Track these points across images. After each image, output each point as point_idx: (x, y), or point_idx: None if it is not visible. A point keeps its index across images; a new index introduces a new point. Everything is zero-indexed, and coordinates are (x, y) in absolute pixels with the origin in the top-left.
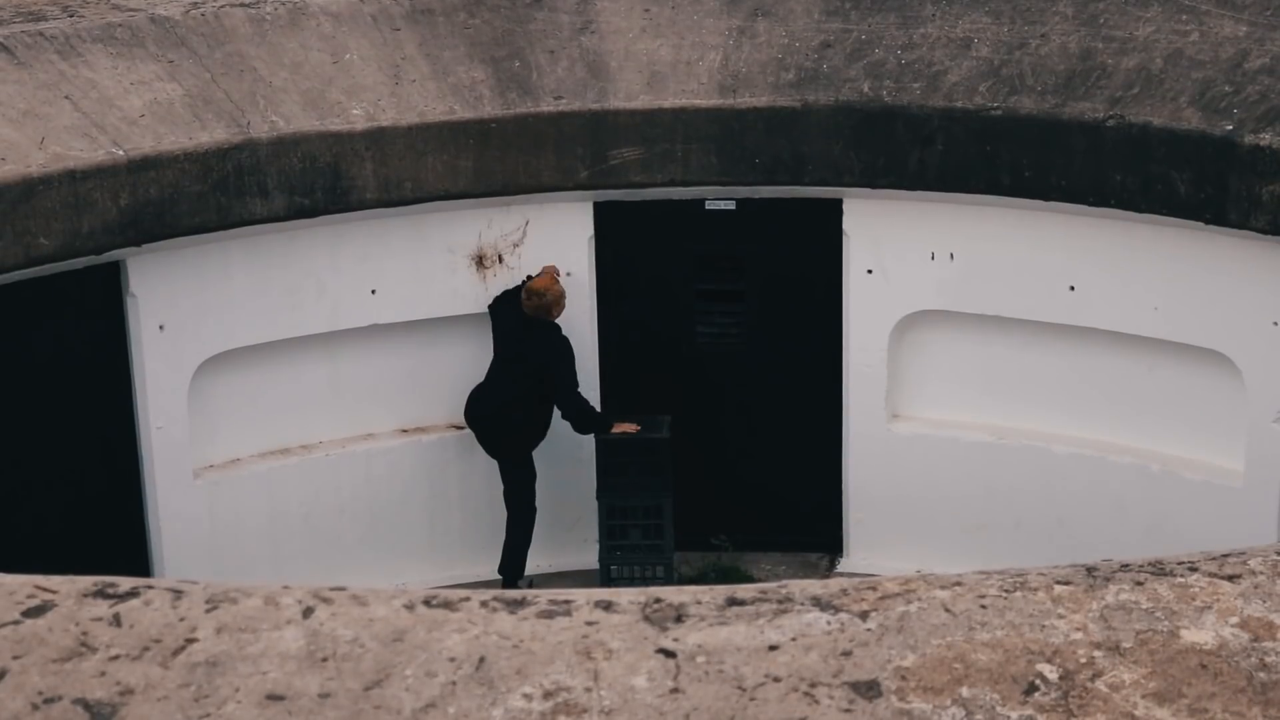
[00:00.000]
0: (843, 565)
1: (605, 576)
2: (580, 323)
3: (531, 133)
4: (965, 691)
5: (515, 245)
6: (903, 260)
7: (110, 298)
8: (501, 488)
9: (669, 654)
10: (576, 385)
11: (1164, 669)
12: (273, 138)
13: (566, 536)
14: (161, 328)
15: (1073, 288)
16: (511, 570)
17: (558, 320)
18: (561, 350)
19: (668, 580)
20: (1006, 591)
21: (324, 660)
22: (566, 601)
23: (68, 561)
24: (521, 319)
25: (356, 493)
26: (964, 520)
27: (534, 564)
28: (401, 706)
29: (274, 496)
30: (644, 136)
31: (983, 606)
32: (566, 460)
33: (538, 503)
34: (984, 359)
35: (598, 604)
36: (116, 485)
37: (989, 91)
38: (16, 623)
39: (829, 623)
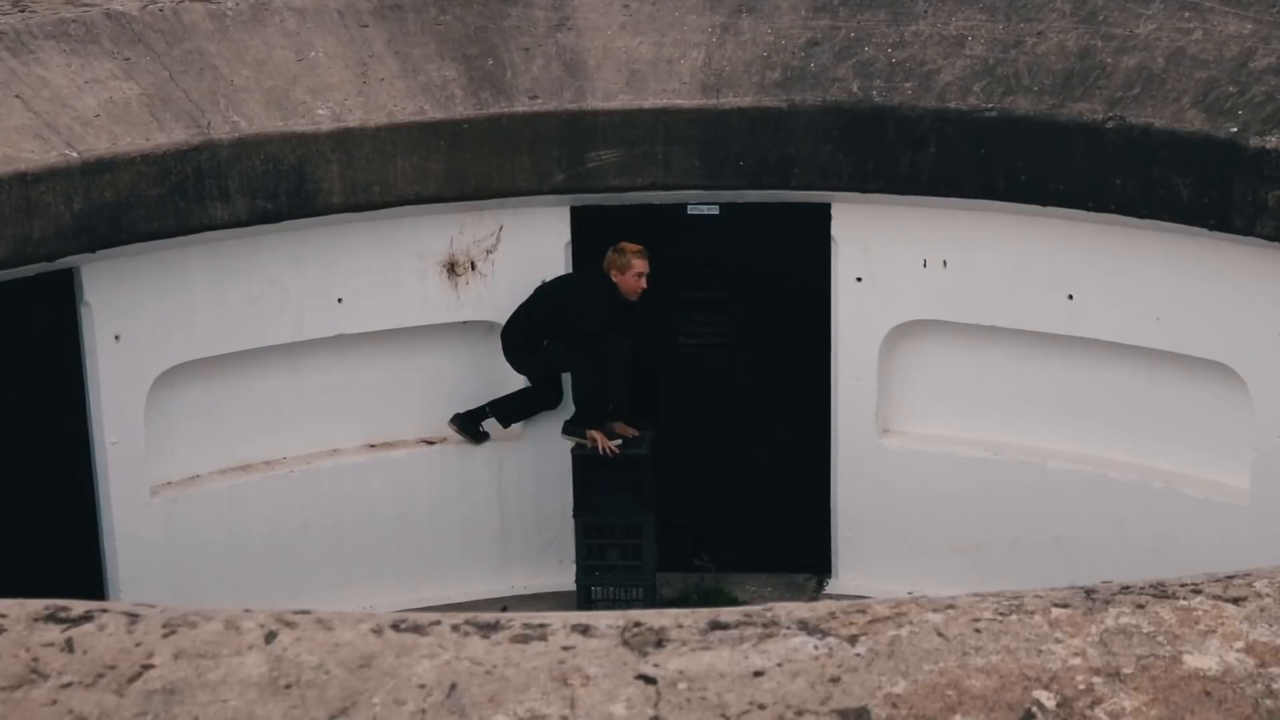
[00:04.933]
0: (831, 587)
1: (583, 599)
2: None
3: (505, 134)
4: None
5: (489, 252)
6: (893, 268)
7: (64, 306)
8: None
9: (649, 680)
10: (599, 342)
11: (1166, 696)
12: (234, 139)
13: (542, 557)
14: (117, 338)
15: (1071, 296)
16: (502, 410)
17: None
18: (591, 297)
19: (648, 603)
20: (1002, 615)
21: (287, 687)
22: (542, 625)
23: (18, 583)
24: (583, 269)
25: (322, 511)
26: (957, 540)
27: (508, 585)
28: None
29: (235, 515)
30: (623, 138)
31: (977, 630)
32: (541, 475)
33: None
34: (978, 371)
35: (574, 628)
36: (70, 503)
37: (983, 92)
38: None
39: (816, 647)
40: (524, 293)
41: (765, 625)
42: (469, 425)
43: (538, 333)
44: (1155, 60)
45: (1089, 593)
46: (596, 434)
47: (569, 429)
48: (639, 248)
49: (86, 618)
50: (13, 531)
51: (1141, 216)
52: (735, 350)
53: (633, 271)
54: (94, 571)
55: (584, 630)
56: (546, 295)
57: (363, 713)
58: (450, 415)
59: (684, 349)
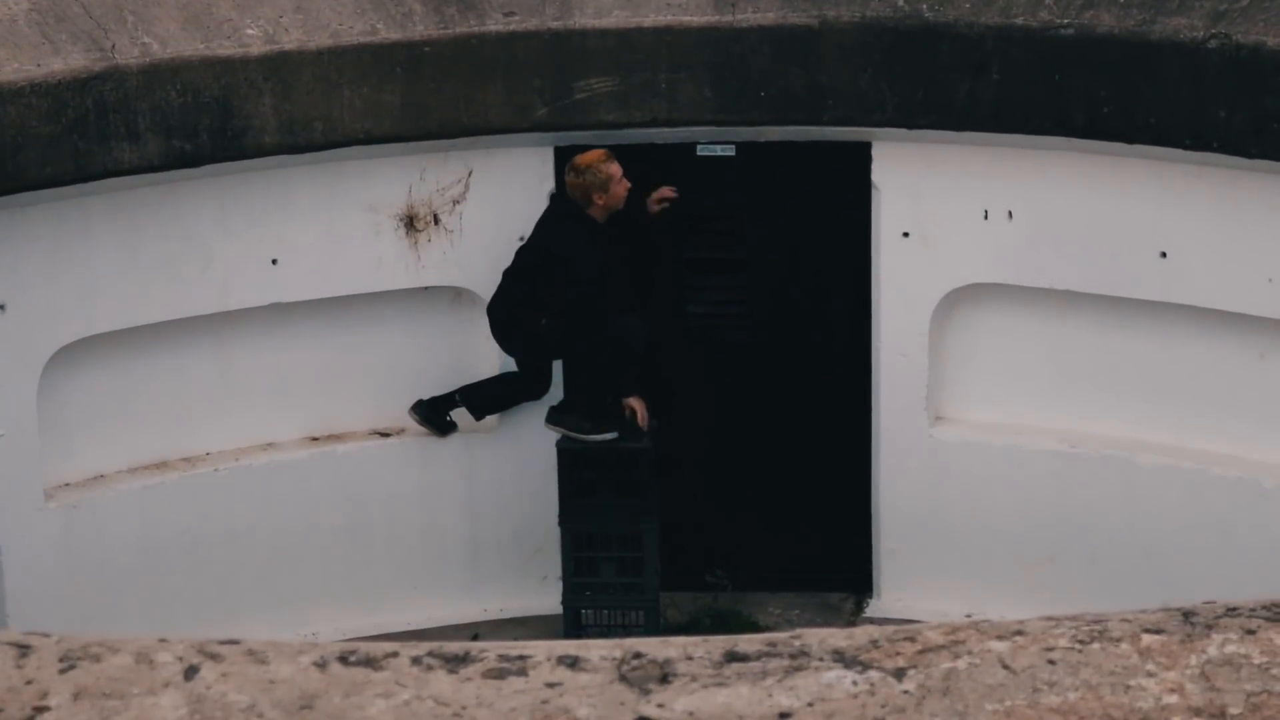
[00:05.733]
0: (872, 609)
1: (571, 624)
2: None
3: (476, 58)
4: None
5: (455, 202)
6: (948, 220)
7: None
8: None
9: None
10: (602, 302)
11: None
12: (145, 65)
13: (521, 573)
14: (2, 308)
15: (1164, 254)
16: (474, 398)
17: (601, 220)
18: (588, 248)
19: (650, 628)
20: (1081, 643)
21: None
22: (521, 657)
23: None
24: (552, 210)
25: (254, 518)
26: (1026, 551)
27: (480, 608)
28: None
29: (148, 523)
30: (618, 63)
31: (1051, 662)
32: (521, 474)
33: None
34: (1051, 346)
35: (561, 660)
36: None
37: (1058, 5)
38: None
39: (855, 683)
40: (498, 252)
41: (793, 656)
42: (434, 415)
43: (531, 306)
44: None
45: (1187, 615)
46: (636, 402)
47: (555, 418)
48: (601, 152)
49: None
50: None
51: (1251, 156)
52: (755, 321)
53: (614, 182)
54: None
55: (572, 663)
56: (528, 257)
57: None
58: (411, 402)
59: (693, 319)
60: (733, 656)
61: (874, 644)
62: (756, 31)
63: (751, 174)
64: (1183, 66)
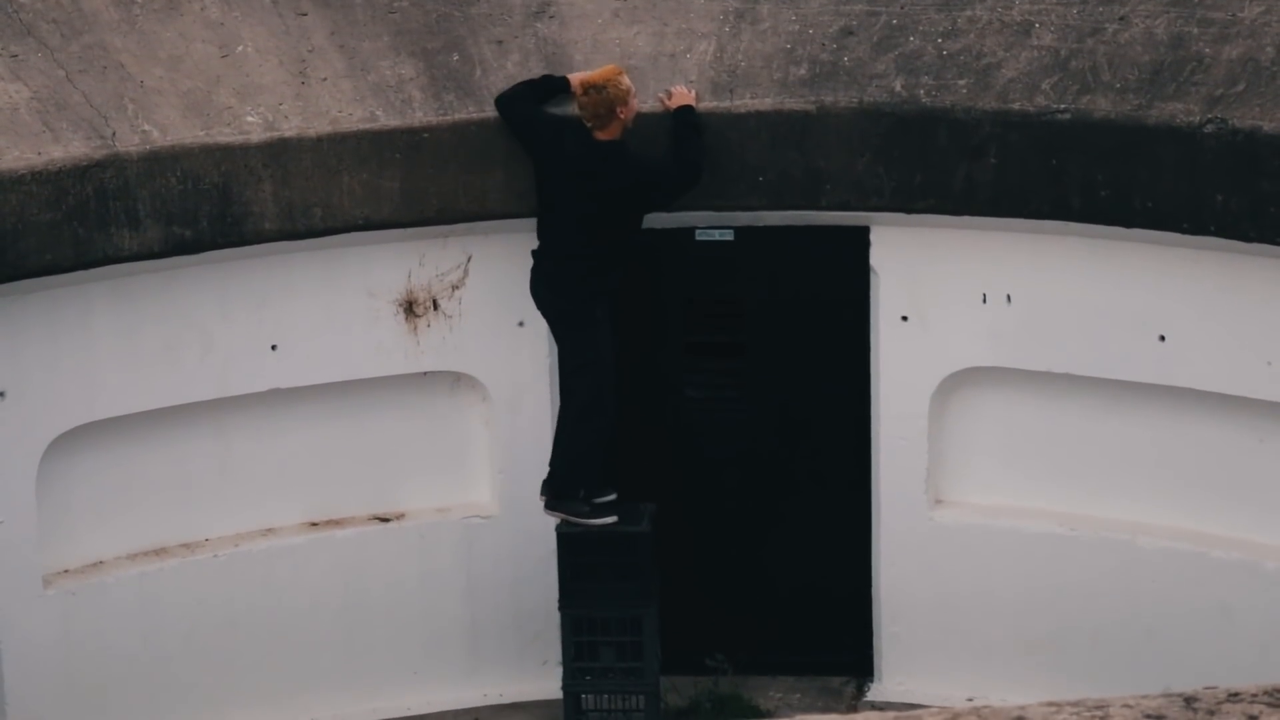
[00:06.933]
0: (873, 692)
1: (572, 709)
2: (539, 383)
3: (475, 144)
4: None
5: (454, 288)
6: (946, 304)
7: None
8: None
9: None
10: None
11: None
12: (145, 152)
13: (521, 658)
14: (2, 395)
15: (1163, 338)
16: (564, 479)
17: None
18: (637, 158)
19: (651, 714)
20: None
21: None
22: None
23: None
24: (581, 139)
25: (253, 603)
26: (1027, 634)
27: (480, 693)
28: None
29: (148, 609)
30: None
31: None
32: (520, 559)
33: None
34: (1050, 428)
35: None
36: None
37: (1054, 89)
38: None
39: None
40: (497, 337)
41: None
42: (579, 505)
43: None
44: (1264, 49)
45: (1189, 700)
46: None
47: (555, 503)
48: (611, 67)
49: None
50: None
51: (1248, 240)
52: (754, 405)
53: (631, 95)
54: None
55: None
56: (602, 180)
57: None
58: (410, 489)
59: (691, 403)
60: None
61: None
62: (754, 117)
63: (750, 258)
64: (1180, 151)
